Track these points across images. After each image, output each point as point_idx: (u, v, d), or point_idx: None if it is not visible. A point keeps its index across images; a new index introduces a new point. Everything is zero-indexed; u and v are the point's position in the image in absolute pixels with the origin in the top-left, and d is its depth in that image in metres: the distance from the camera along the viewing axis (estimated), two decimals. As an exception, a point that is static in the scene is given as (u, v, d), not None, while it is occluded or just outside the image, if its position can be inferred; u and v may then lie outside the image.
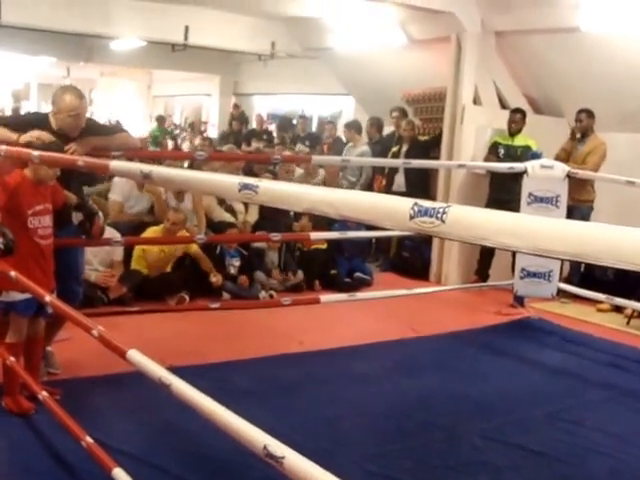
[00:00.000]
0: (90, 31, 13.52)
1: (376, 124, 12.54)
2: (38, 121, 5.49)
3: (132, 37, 14.52)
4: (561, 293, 8.76)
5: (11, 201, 4.85)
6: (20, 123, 5.52)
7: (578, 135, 9.72)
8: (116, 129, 6.48)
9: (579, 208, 9.14)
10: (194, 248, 8.64)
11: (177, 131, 22.63)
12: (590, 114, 9.64)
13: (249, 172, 10.69)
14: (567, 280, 9.08)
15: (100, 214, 5.62)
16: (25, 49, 17.65)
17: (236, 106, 20.09)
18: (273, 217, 9.48)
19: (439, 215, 1.92)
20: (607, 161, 9.43)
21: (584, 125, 9.66)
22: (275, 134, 17.07)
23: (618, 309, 8.94)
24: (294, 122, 17.24)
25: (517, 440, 5.23)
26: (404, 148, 11.28)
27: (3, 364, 5.01)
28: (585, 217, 9.32)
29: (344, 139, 13.14)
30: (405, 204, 2.04)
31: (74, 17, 12.46)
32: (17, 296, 4.93)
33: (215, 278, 8.61)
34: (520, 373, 6.92)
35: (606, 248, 1.63)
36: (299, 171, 11.87)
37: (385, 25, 11.52)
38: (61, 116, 5.41)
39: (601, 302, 8.78)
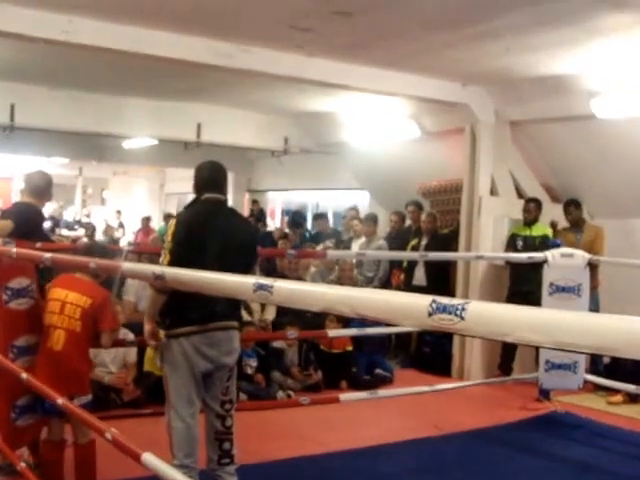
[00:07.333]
0: (102, 131, 13.58)
1: (401, 218, 12.36)
2: None
3: (144, 136, 14.59)
4: (596, 387, 8.74)
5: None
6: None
7: (565, 226, 9.94)
8: None
9: (592, 295, 8.90)
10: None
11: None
12: (578, 205, 9.88)
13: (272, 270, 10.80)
14: (591, 371, 8.84)
15: None
16: (38, 150, 17.77)
17: (255, 202, 20.06)
18: (292, 315, 9.28)
19: (458, 312, 1.86)
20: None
21: (574, 217, 9.87)
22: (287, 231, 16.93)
23: (633, 400, 8.69)
24: (307, 218, 17.16)
25: None
26: (424, 241, 11.05)
27: None
28: (597, 303, 9.27)
29: (360, 234, 12.89)
30: (423, 301, 1.96)
31: (86, 118, 12.57)
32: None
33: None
34: (549, 471, 6.71)
35: (630, 340, 1.54)
36: (313, 268, 11.72)
37: (398, 118, 11.55)
38: None
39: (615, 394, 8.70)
